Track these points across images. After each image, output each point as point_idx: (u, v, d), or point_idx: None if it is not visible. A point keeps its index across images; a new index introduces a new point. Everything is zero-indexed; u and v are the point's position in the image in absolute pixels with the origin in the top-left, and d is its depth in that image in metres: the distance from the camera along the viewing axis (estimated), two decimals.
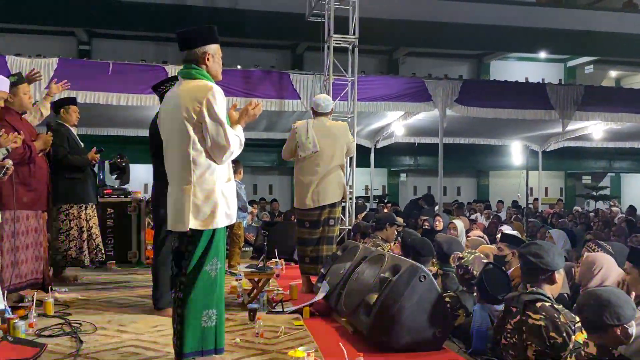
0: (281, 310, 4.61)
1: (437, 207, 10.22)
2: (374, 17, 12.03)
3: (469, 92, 9.58)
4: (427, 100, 9.41)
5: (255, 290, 4.89)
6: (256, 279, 4.90)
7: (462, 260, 4.29)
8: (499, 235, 6.02)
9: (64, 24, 14.21)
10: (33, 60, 8.12)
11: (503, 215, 12.58)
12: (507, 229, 6.63)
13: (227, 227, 3.18)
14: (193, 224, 3.00)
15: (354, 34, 8.73)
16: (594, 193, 17.29)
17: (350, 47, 8.77)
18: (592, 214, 13.16)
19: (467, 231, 7.14)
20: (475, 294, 4.04)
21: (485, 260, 4.17)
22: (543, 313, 2.98)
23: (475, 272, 4.20)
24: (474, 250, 4.63)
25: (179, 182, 3.07)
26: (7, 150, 4.17)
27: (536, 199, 14.98)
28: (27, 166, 4.57)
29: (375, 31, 11.93)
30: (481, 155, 16.48)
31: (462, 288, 4.29)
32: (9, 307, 3.96)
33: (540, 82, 12.19)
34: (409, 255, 4.57)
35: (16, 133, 4.30)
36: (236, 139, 3.06)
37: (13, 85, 4.55)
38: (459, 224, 7.03)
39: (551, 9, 16.00)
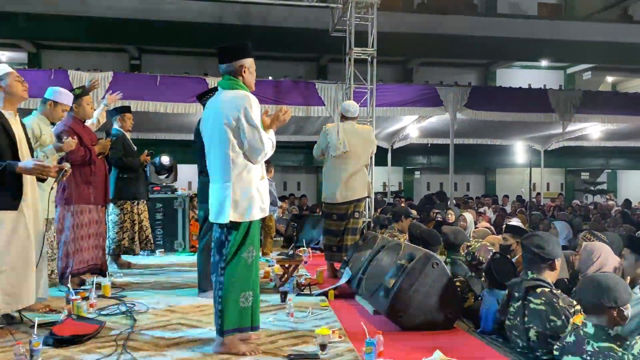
0: (309, 293, 4.62)
1: (449, 202, 10.14)
2: (391, 32, 11.94)
3: (477, 98, 9.48)
4: (439, 105, 9.33)
5: (285, 275, 4.91)
6: (286, 265, 4.92)
7: (470, 248, 4.26)
8: (504, 226, 5.96)
9: (118, 41, 14.41)
10: (91, 74, 8.27)
11: (508, 208, 12.41)
12: (515, 222, 6.54)
13: (260, 219, 3.21)
14: (232, 216, 3.03)
15: (372, 46, 8.69)
16: (592, 188, 16.95)
17: (369, 59, 8.73)
18: (591, 207, 12.90)
19: (475, 223, 7.07)
20: (482, 279, 4.02)
21: (490, 249, 4.14)
22: (543, 298, 2.95)
23: (481, 259, 4.18)
24: (480, 240, 4.59)
25: (220, 179, 3.10)
26: (65, 153, 4.28)
27: (539, 194, 14.72)
28: (89, 167, 4.69)
29: (391, 44, 11.82)
30: (488, 154, 16.25)
31: (470, 273, 4.26)
32: (73, 289, 4.04)
33: (542, 87, 11.96)
34: (417, 245, 4.54)
35: (76, 138, 4.40)
36: (269, 141, 3.08)
37: (78, 97, 4.65)
38: (468, 216, 6.95)
39: (552, 21, 15.71)
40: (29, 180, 3.44)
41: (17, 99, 3.48)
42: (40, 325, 3.08)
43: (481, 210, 11.36)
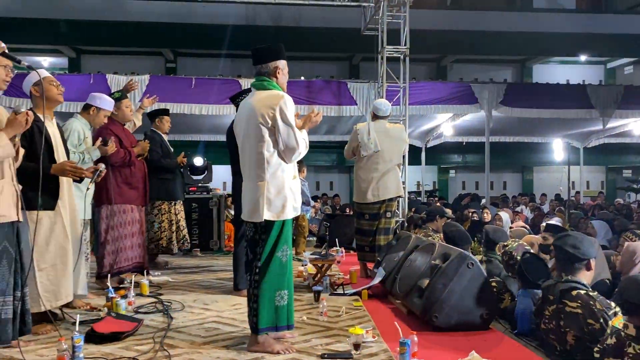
0: (342, 292, 4.62)
1: (483, 201, 9.97)
2: (424, 29, 11.83)
3: (513, 95, 9.30)
4: (474, 103, 9.19)
5: (319, 275, 4.92)
6: (320, 265, 4.93)
7: (507, 248, 4.18)
8: (543, 225, 5.83)
9: (154, 45, 14.73)
10: (128, 78, 8.46)
11: (546, 207, 12.12)
12: (554, 221, 6.40)
13: (293, 218, 3.23)
14: (267, 215, 3.05)
15: (405, 44, 8.63)
16: (635, 186, 16.36)
17: (402, 57, 8.67)
18: (634, 205, 12.47)
19: (511, 222, 6.94)
20: None
21: (527, 248, 4.05)
22: (579, 301, 2.87)
23: (518, 258, 4.09)
24: (517, 239, 4.50)
25: (254, 179, 3.12)
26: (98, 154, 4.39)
27: (578, 192, 14.33)
28: (129, 168, 4.80)
29: (424, 41, 11.72)
30: (525, 152, 15.90)
31: (507, 273, 4.18)
32: (112, 287, 4.14)
33: (581, 83, 11.64)
34: (450, 243, 4.50)
35: (116, 140, 4.54)
36: (303, 141, 3.11)
37: (117, 100, 4.76)
38: (504, 215, 6.84)
39: (591, 14, 15.25)
40: (64, 181, 3.55)
41: (53, 103, 3.59)
42: (81, 322, 3.18)
43: (518, 209, 11.14)
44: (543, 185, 17.07)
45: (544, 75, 16.05)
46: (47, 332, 3.37)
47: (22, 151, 3.04)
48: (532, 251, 3.96)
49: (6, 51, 2.38)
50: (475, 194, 12.13)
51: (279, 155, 3.08)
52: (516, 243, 4.12)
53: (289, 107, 3.05)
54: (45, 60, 15.75)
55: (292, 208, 3.13)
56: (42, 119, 3.27)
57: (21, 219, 3.02)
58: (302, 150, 3.10)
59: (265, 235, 3.08)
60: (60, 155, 3.57)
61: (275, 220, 3.07)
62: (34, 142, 3.36)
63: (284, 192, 3.08)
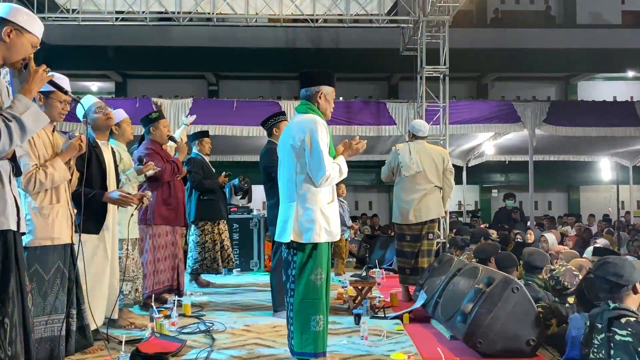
0: (383, 315, 4.56)
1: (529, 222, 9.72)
2: (463, 47, 11.77)
3: (557, 113, 9.11)
4: (517, 121, 9.04)
5: (359, 297, 4.88)
6: (360, 287, 4.90)
7: (554, 272, 4.05)
8: (590, 248, 5.64)
9: (197, 69, 15.15)
10: (172, 101, 8.74)
11: (594, 228, 11.69)
12: (601, 243, 6.17)
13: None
14: (293, 236, 3.07)
15: (444, 64, 8.61)
16: None
17: (441, 76, 8.64)
18: None
19: (559, 244, 6.73)
20: (567, 305, 3.82)
21: (576, 273, 3.92)
22: (629, 329, 2.74)
23: (566, 283, 3.96)
24: (565, 263, 4.36)
25: (285, 199, 3.18)
26: (144, 176, 4.44)
27: (628, 212, 13.79)
28: (168, 188, 4.80)
29: (464, 60, 11.65)
30: (571, 171, 15.44)
31: (554, 298, 4.05)
32: (156, 307, 4.22)
33: (629, 100, 11.27)
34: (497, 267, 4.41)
35: (151, 162, 4.56)
36: (335, 166, 3.10)
37: (155, 120, 4.83)
38: (550, 237, 6.62)
39: (638, 29, 14.82)
40: (110, 206, 3.68)
41: (103, 129, 3.74)
42: (127, 342, 3.25)
43: (563, 230, 10.79)
44: (590, 205, 16.49)
45: (590, 93, 15.64)
46: (94, 351, 3.46)
47: (76, 174, 3.16)
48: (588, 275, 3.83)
49: (56, 81, 2.50)
50: (515, 208, 11.68)
51: (309, 178, 3.09)
52: (563, 268, 3.98)
53: (320, 131, 3.07)
54: (94, 85, 16.43)
55: (325, 232, 3.10)
56: (97, 144, 3.42)
57: (75, 242, 3.13)
58: (333, 175, 3.07)
59: (296, 257, 3.09)
60: (111, 182, 3.71)
61: (306, 243, 3.07)
62: (90, 166, 3.50)
63: (314, 215, 3.07)
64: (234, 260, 6.26)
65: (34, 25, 2.34)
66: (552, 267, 4.12)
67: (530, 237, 7.47)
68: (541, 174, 11.30)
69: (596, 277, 3.01)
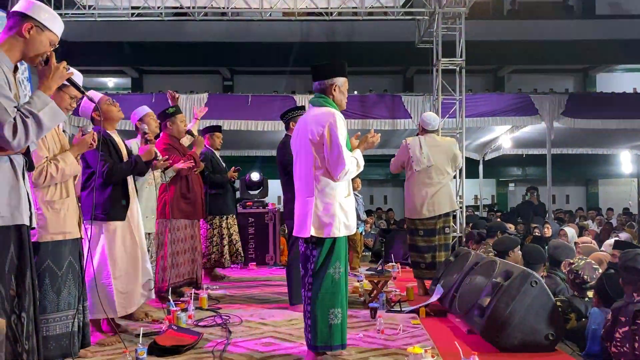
0: (399, 309, 4.55)
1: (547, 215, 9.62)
2: (480, 40, 11.62)
3: (576, 105, 8.96)
4: (534, 114, 8.91)
5: (375, 291, 4.87)
6: (376, 281, 4.88)
7: (573, 266, 3.99)
8: (610, 241, 5.55)
9: (212, 64, 15.19)
10: (188, 96, 8.78)
11: (614, 222, 11.51)
12: (624, 237, 6.07)
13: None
14: (314, 231, 3.06)
15: (460, 56, 8.51)
16: None
17: (458, 69, 8.55)
18: None
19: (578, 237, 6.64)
20: (586, 299, 3.77)
21: (596, 267, 3.86)
22: None
23: (585, 277, 3.90)
24: (584, 257, 4.30)
25: (304, 194, 3.15)
26: (172, 172, 4.52)
27: None
28: (186, 182, 4.86)
29: (481, 52, 11.50)
30: (590, 164, 15.22)
31: (573, 292, 4.00)
32: (172, 301, 4.25)
33: None
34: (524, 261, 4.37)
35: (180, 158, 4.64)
36: (353, 160, 3.08)
37: (172, 115, 4.87)
38: (570, 230, 6.55)
39: None
40: (130, 194, 3.74)
41: (115, 120, 3.79)
42: (144, 335, 3.27)
43: (584, 223, 10.64)
44: (609, 198, 16.24)
45: (609, 84, 15.35)
46: (111, 343, 3.49)
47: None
48: (608, 270, 3.78)
49: (73, 78, 2.52)
50: (529, 202, 11.49)
51: (328, 172, 3.07)
52: (583, 261, 3.93)
53: (339, 124, 3.04)
54: (110, 81, 16.57)
55: (344, 226, 3.09)
56: (109, 135, 3.47)
57: (83, 236, 3.16)
58: (351, 169, 3.06)
59: (315, 252, 3.08)
60: None
61: (326, 238, 3.05)
62: (110, 157, 3.60)
63: (333, 209, 3.06)
64: (242, 255, 6.26)
65: (55, 23, 2.37)
66: (571, 261, 4.07)
67: (548, 231, 7.37)
68: (559, 167, 11.15)
69: (625, 269, 2.96)
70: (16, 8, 2.34)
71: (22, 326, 2.23)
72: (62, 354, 2.98)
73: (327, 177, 3.08)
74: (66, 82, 2.56)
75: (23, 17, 2.29)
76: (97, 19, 9.18)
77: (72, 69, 2.63)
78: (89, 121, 3.85)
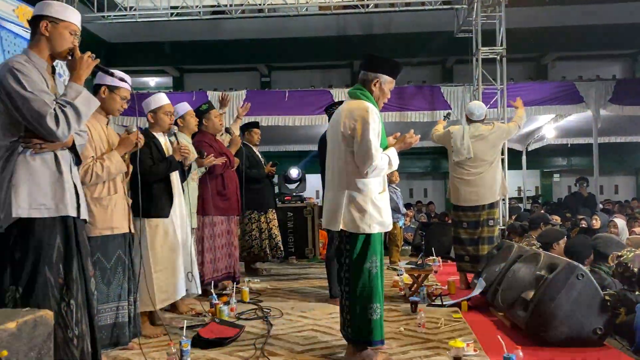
0: (440, 303, 4.49)
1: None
2: (521, 27, 11.31)
3: (624, 91, 8.63)
4: (579, 102, 8.64)
5: (415, 285, 4.82)
6: (416, 275, 4.84)
7: (622, 259, 3.85)
8: None
9: (250, 61, 15.34)
10: (228, 94, 8.89)
11: None
12: None
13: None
14: (343, 224, 3.02)
15: (501, 45, 8.32)
16: None
17: (498, 58, 8.36)
18: None
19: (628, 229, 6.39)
20: (636, 292, 3.62)
21: None
22: None
23: (635, 270, 3.76)
24: (633, 249, 4.14)
25: (335, 188, 3.10)
26: (205, 168, 4.59)
27: None
28: (222, 179, 4.91)
29: (522, 40, 11.20)
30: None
31: (623, 286, 3.85)
32: (215, 294, 4.32)
33: None
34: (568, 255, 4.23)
35: (212, 150, 4.70)
36: (385, 157, 2.99)
37: (205, 111, 4.91)
38: (620, 222, 6.30)
39: None
40: (176, 192, 3.82)
41: (164, 129, 3.89)
42: (188, 327, 3.35)
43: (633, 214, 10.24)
44: None
45: None
46: (157, 335, 3.59)
47: (131, 167, 3.28)
48: None
49: (115, 73, 2.64)
50: (578, 193, 11.09)
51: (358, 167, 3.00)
52: (632, 253, 3.78)
53: (371, 119, 2.94)
54: (152, 80, 16.96)
55: (377, 223, 3.03)
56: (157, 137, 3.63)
57: (132, 230, 3.25)
58: (381, 166, 2.96)
59: (349, 246, 3.04)
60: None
61: (359, 233, 3.02)
62: (152, 157, 3.71)
63: (363, 204, 3.00)
64: (282, 249, 6.30)
65: (66, 12, 2.46)
66: (620, 254, 3.92)
67: (596, 223, 7.12)
68: (607, 156, 10.75)
69: None
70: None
71: (72, 313, 2.35)
72: (113, 342, 3.08)
73: (357, 171, 3.02)
74: (116, 82, 2.67)
75: (37, 19, 2.42)
76: (138, 20, 9.41)
77: (116, 70, 2.75)
78: (133, 120, 3.97)
